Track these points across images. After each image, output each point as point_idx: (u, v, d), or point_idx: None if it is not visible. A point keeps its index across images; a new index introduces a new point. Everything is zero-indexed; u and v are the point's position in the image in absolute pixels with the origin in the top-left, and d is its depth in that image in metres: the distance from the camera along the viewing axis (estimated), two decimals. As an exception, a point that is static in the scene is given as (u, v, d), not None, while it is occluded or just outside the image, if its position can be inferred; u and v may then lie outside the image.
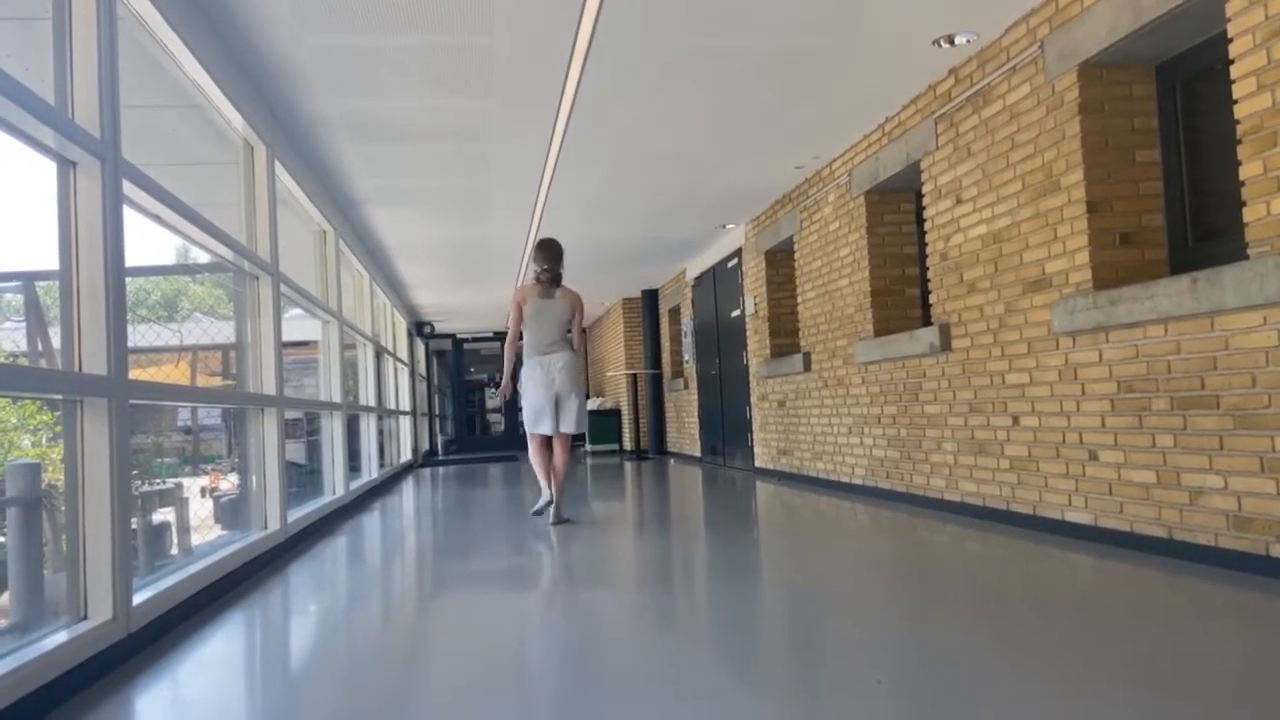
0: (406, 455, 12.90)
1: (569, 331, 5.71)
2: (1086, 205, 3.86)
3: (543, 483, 5.73)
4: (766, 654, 2.62)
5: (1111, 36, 3.64)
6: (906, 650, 2.50)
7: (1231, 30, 3.10)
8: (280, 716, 2.25)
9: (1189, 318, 3.32)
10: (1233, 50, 3.10)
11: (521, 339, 5.73)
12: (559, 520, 5.55)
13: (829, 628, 2.83)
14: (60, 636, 2.37)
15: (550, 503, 5.57)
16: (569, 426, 5.63)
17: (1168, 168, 3.85)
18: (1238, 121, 3.08)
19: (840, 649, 2.56)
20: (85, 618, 2.54)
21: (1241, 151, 3.07)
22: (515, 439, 18.04)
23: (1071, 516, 4.05)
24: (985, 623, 2.73)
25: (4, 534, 3.25)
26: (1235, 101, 3.09)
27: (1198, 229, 3.76)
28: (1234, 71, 3.09)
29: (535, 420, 5.65)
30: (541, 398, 5.59)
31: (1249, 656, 2.30)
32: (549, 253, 5.63)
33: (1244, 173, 3.06)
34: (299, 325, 7.02)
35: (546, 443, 5.75)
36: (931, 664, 2.34)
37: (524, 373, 5.67)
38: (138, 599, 2.78)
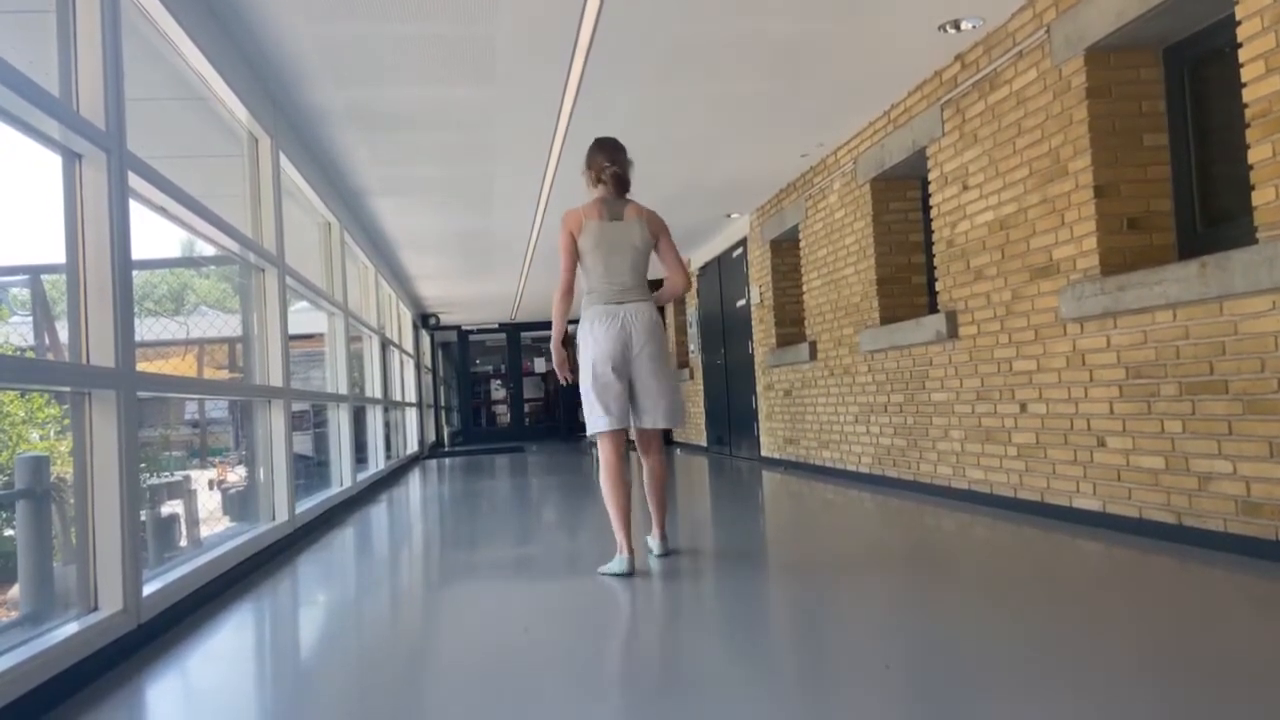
0: (413, 447, 12.92)
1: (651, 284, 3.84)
2: (1094, 190, 3.84)
3: (620, 534, 3.57)
4: (775, 641, 2.63)
5: (1119, 20, 3.62)
6: (915, 636, 2.50)
7: (1240, 13, 3.08)
8: (290, 706, 2.26)
9: (1197, 303, 3.31)
10: (1241, 33, 3.07)
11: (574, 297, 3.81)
12: (665, 550, 3.83)
13: (837, 614, 2.82)
14: (71, 628, 2.38)
15: (629, 570, 3.48)
16: (660, 417, 3.75)
17: (1176, 152, 3.82)
18: (1246, 105, 3.06)
19: (848, 635, 2.56)
20: (95, 609, 2.54)
21: (1250, 135, 3.05)
22: (520, 430, 18.07)
23: (1079, 503, 4.05)
24: (994, 609, 2.73)
25: (14, 527, 3.26)
26: (1244, 84, 3.07)
27: (1206, 213, 3.74)
28: (1242, 54, 3.07)
29: (602, 409, 3.67)
30: (610, 372, 3.64)
31: (1259, 642, 2.29)
32: (612, 149, 3.85)
33: (1253, 156, 3.04)
34: (305, 318, 7.03)
35: (624, 446, 3.78)
36: (940, 650, 2.33)
37: (582, 331, 3.77)
38: (148, 590, 2.79)
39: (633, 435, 3.85)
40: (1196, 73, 3.75)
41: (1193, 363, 3.37)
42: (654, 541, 3.86)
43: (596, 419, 3.69)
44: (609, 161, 3.78)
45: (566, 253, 3.75)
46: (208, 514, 5.37)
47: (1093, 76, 3.84)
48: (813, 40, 4.52)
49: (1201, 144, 3.75)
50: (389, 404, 10.15)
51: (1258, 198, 3.02)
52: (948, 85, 4.94)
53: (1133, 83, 3.85)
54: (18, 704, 2.01)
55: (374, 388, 9.22)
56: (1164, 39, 3.78)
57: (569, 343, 3.69)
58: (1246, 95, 3.05)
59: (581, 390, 3.73)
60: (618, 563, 3.52)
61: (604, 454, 3.73)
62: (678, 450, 11.60)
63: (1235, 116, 3.23)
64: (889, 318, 5.93)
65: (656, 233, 3.82)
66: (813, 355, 7.17)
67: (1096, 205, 3.84)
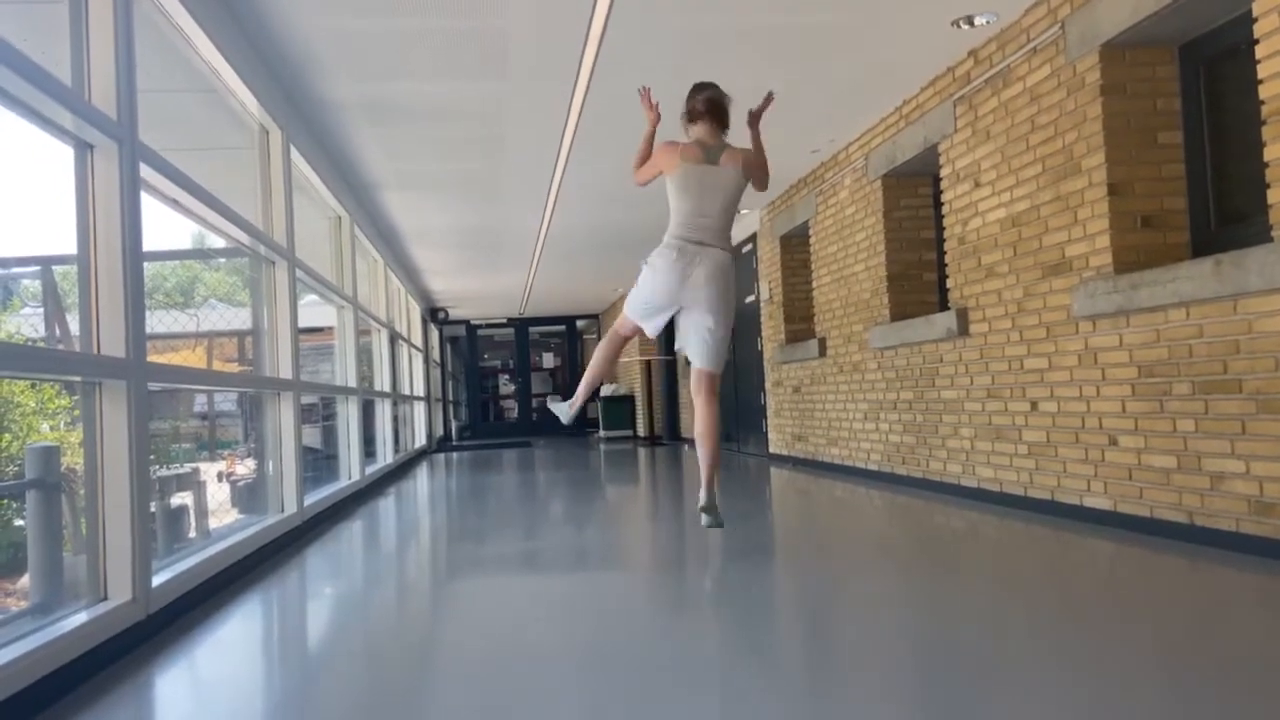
0: (421, 441, 12.93)
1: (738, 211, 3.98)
2: (1108, 188, 3.82)
3: (581, 391, 4.19)
4: (784, 637, 2.62)
5: (1134, 16, 3.59)
6: (924, 634, 2.49)
7: (1257, 9, 3.05)
8: (298, 696, 2.26)
9: (1211, 301, 3.28)
10: (1258, 30, 3.05)
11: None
12: (715, 518, 3.77)
13: (845, 611, 2.82)
14: (80, 617, 2.39)
15: (569, 422, 4.22)
16: (711, 359, 3.84)
17: (1191, 150, 3.80)
18: (1263, 102, 3.03)
19: (857, 632, 2.55)
20: (105, 599, 2.55)
21: (1266, 132, 3.02)
22: (528, 426, 18.09)
23: (1090, 502, 4.03)
24: (1003, 608, 2.72)
25: (24, 517, 3.27)
26: (1260, 82, 3.04)
27: (1221, 212, 3.72)
28: (1259, 51, 3.05)
29: (639, 306, 3.91)
30: (661, 293, 3.79)
31: (1270, 643, 2.28)
32: (707, 84, 3.92)
33: (1269, 154, 3.01)
34: (315, 311, 7.04)
35: (622, 343, 4.16)
36: (949, 649, 2.32)
37: (654, 251, 3.84)
38: (157, 580, 2.79)
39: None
40: (1213, 70, 3.73)
41: (1206, 362, 3.34)
42: (704, 494, 3.79)
43: (632, 308, 3.95)
44: (703, 105, 3.84)
45: (649, 167, 3.92)
46: (217, 506, 5.38)
47: (1107, 73, 3.82)
48: (825, 34, 4.50)
49: (1217, 142, 3.73)
50: (397, 398, 10.16)
51: (1273, 196, 3.00)
52: (961, 81, 4.91)
53: (1148, 80, 3.82)
54: (28, 692, 2.01)
55: (383, 381, 9.23)
56: (1180, 36, 3.75)
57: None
58: (1263, 92, 3.03)
59: (630, 297, 3.97)
60: (563, 409, 4.21)
61: (608, 338, 4.14)
62: (685, 446, 11.60)
63: (1252, 114, 3.21)
64: (899, 314, 5.91)
65: (749, 172, 3.90)
66: (822, 352, 7.15)
67: (1110, 203, 3.81)
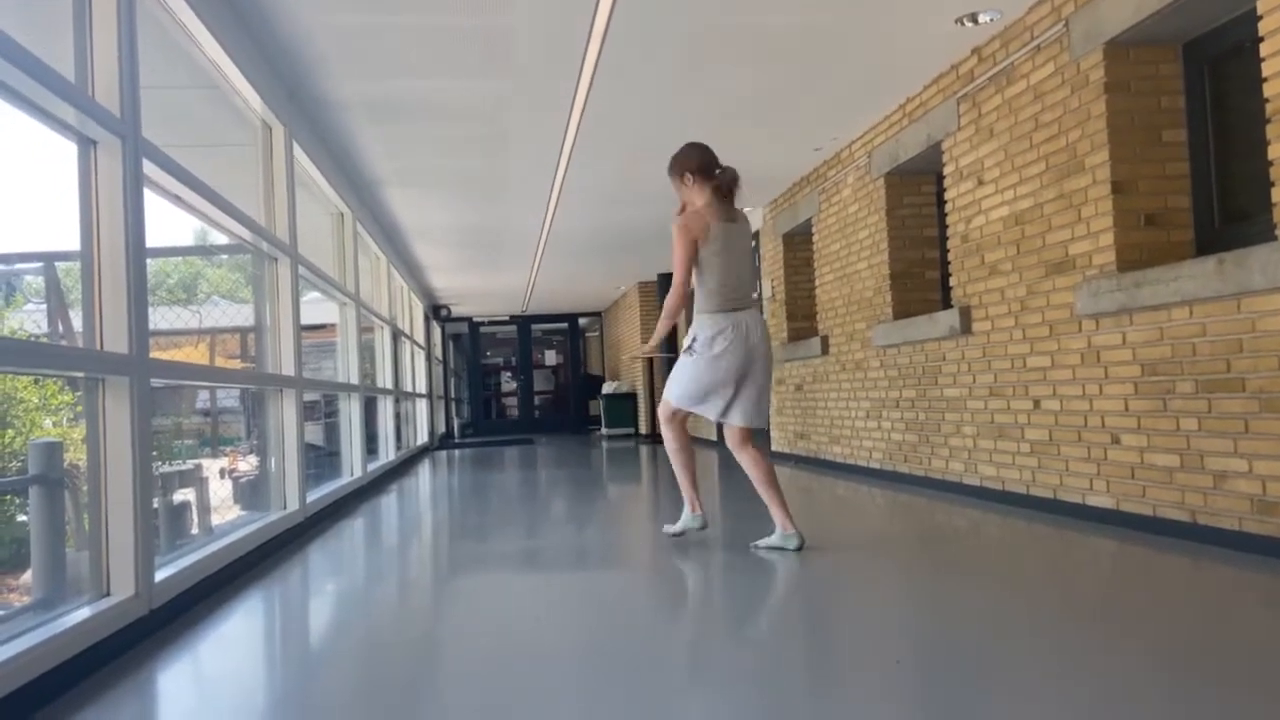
0: (423, 438, 12.94)
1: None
2: (1111, 186, 3.81)
3: (689, 492, 3.93)
4: (785, 634, 2.62)
5: (1138, 14, 3.59)
6: (926, 633, 2.49)
7: (1261, 7, 3.04)
8: (300, 692, 2.26)
9: (1215, 300, 3.28)
10: (1262, 28, 3.04)
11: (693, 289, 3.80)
12: (800, 543, 3.66)
13: (847, 609, 2.82)
14: (83, 613, 2.39)
15: (702, 524, 3.94)
16: (760, 417, 3.81)
17: (1195, 148, 3.79)
18: (1266, 101, 3.03)
19: (858, 630, 2.55)
20: (108, 594, 2.55)
21: (1270, 131, 3.02)
22: (530, 423, 18.09)
23: (1093, 500, 4.02)
24: (1005, 606, 2.72)
25: (27, 513, 3.28)
26: (1264, 80, 3.03)
27: (1225, 210, 3.71)
28: (1263, 49, 3.04)
29: (701, 396, 3.74)
30: (733, 382, 3.69)
31: (1271, 642, 2.28)
32: (712, 154, 3.83)
33: (1272, 153, 3.01)
34: (317, 308, 7.04)
35: (683, 423, 3.96)
36: (951, 647, 2.32)
37: (705, 335, 3.69)
38: (159, 576, 2.79)
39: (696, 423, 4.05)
40: (1217, 68, 3.72)
41: (1209, 360, 3.34)
42: (790, 536, 3.67)
43: (691, 400, 3.77)
44: (721, 169, 3.77)
45: (687, 259, 3.68)
46: (219, 502, 5.38)
47: (1111, 71, 3.81)
48: (829, 32, 4.50)
49: (1221, 140, 3.72)
50: (400, 395, 10.17)
51: (1277, 194, 2.99)
52: (964, 79, 4.90)
53: (1152, 78, 3.82)
54: (31, 687, 2.02)
55: (385, 378, 9.23)
56: (1184, 34, 3.74)
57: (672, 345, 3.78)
58: (1267, 91, 3.02)
59: (689, 372, 3.74)
60: (685, 520, 3.92)
61: (673, 427, 3.90)
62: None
63: (1256, 113, 3.20)
64: (902, 313, 5.91)
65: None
66: (825, 350, 7.15)
67: (1114, 201, 3.81)
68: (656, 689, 2.06)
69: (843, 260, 6.77)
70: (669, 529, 3.99)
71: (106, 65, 2.65)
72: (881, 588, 3.05)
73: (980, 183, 4.80)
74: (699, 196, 3.78)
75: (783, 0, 4.09)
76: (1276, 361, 3.05)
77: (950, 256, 5.19)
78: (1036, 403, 4.41)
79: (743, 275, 3.76)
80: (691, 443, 3.99)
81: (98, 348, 2.60)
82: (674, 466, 3.95)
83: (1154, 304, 3.54)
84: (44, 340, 4.02)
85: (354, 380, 6.93)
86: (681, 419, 3.90)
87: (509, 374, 18.96)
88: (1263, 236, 3.21)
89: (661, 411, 3.91)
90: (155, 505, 2.95)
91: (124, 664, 2.41)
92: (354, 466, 6.85)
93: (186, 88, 4.36)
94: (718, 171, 3.75)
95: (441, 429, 15.51)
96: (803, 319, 8.03)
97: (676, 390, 3.80)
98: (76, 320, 2.88)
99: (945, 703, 1.92)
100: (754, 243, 3.77)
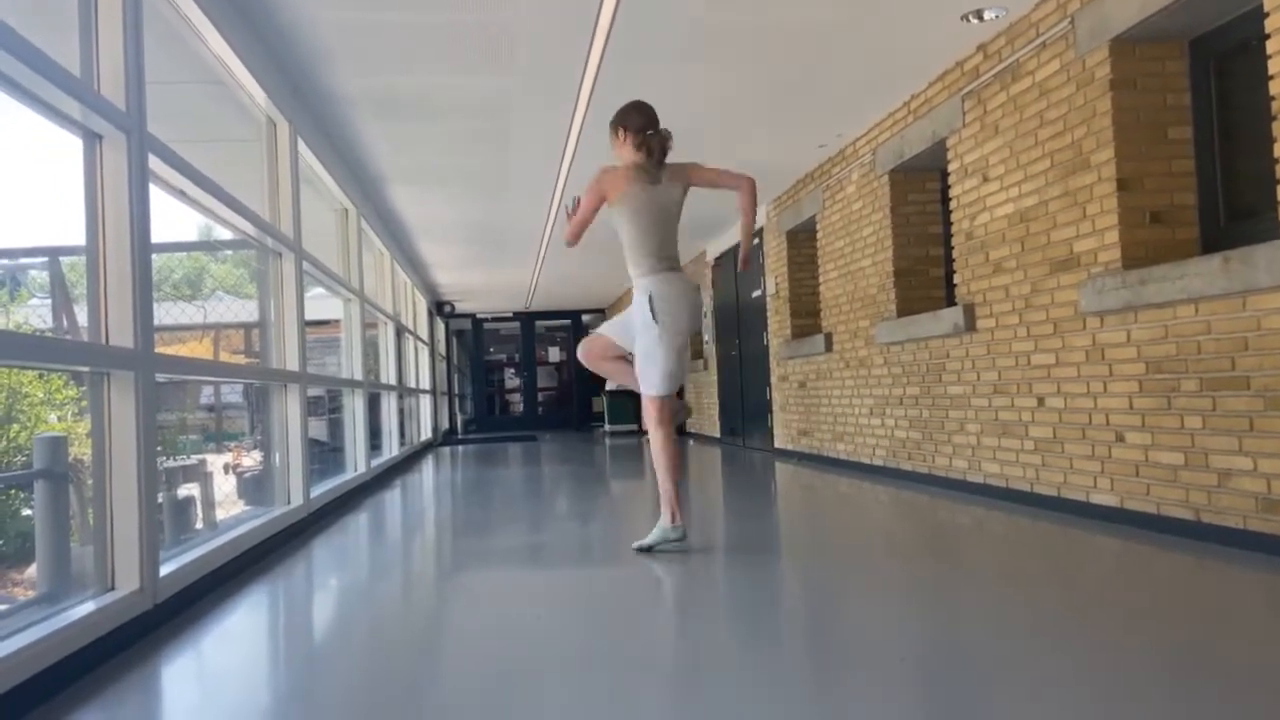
0: (426, 434, 12.95)
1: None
2: (1117, 183, 3.80)
3: (672, 497, 3.64)
4: (788, 632, 2.62)
5: (1144, 11, 3.58)
6: (930, 631, 2.49)
7: (1267, 4, 3.03)
8: (304, 686, 2.26)
9: (1220, 297, 3.27)
10: (1269, 25, 3.03)
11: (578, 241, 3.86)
12: (682, 535, 3.62)
13: (851, 607, 2.82)
14: (88, 607, 2.40)
15: (682, 535, 3.63)
16: (679, 383, 3.82)
17: (1201, 146, 3.78)
18: (1273, 98, 3.02)
19: (862, 628, 2.55)
20: (112, 589, 2.56)
21: (1277, 129, 3.01)
22: (534, 419, 18.09)
23: (1097, 498, 4.02)
24: (1008, 604, 2.71)
25: (32, 507, 3.29)
26: (1270, 77, 3.03)
27: (1231, 208, 3.70)
28: (1270, 46, 3.03)
29: (678, 365, 3.72)
30: (685, 343, 3.73)
31: (1277, 641, 2.27)
32: (652, 115, 3.73)
33: (1279, 150, 3.00)
34: (321, 304, 7.05)
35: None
36: (954, 645, 2.32)
37: (660, 291, 3.69)
38: (164, 571, 2.80)
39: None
40: (1223, 65, 3.71)
41: (1214, 358, 3.33)
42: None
43: (675, 377, 3.70)
44: (654, 130, 3.68)
45: (587, 210, 3.73)
46: (223, 497, 5.40)
47: (1117, 68, 3.80)
48: (834, 29, 4.49)
49: (1227, 138, 3.71)
50: (403, 391, 10.18)
51: (1284, 192, 2.98)
52: (969, 76, 4.90)
53: (1158, 75, 3.81)
54: (35, 680, 2.02)
55: (389, 374, 9.24)
56: (1190, 31, 3.73)
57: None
58: (1273, 88, 3.01)
59: (658, 351, 3.66)
60: (661, 529, 3.61)
61: (659, 416, 3.71)
62: (690, 441, 11.60)
63: (1262, 110, 3.19)
64: (906, 310, 5.90)
65: (689, 179, 3.78)
66: (828, 347, 7.14)
67: (1119, 198, 3.80)
68: (658, 686, 2.06)
69: (847, 257, 6.76)
70: (638, 544, 3.63)
71: (112, 60, 2.66)
72: (884, 586, 3.04)
73: (985, 180, 4.79)
74: (628, 154, 3.74)
75: (788, -4, 4.09)
76: (1282, 359, 3.05)
77: (955, 254, 5.18)
78: (1040, 400, 4.40)
79: (666, 237, 3.74)
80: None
81: (103, 342, 2.61)
82: (661, 468, 3.65)
83: (1159, 301, 3.54)
84: (49, 335, 4.02)
85: (358, 376, 6.94)
86: (670, 413, 3.75)
87: (512, 370, 18.97)
88: (1268, 234, 3.20)
89: (649, 410, 3.74)
90: (160, 500, 2.95)
91: (128, 659, 2.42)
92: (358, 462, 6.86)
93: (191, 83, 4.37)
94: (649, 133, 3.68)
95: (445, 425, 15.53)
96: (806, 316, 8.02)
97: (656, 377, 3.69)
98: (81, 315, 2.88)
99: (948, 700, 1.92)
100: (682, 199, 3.82)
